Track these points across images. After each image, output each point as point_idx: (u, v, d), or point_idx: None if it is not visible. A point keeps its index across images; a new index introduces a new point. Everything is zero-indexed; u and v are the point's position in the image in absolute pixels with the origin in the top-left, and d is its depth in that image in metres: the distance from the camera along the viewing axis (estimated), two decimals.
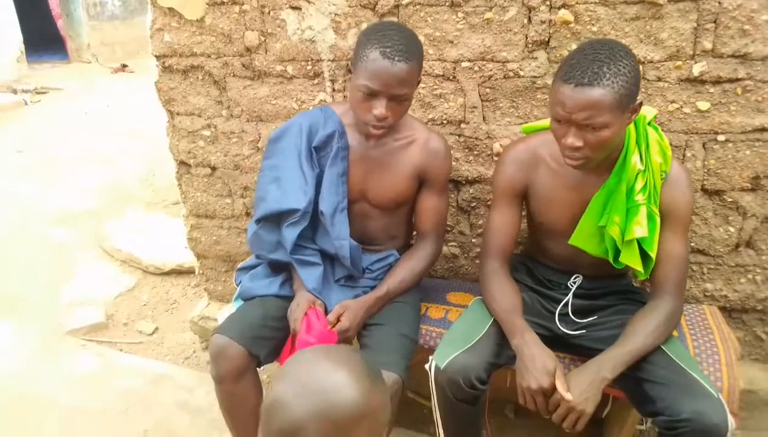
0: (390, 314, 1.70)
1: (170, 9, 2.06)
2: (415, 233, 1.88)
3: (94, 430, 2.15)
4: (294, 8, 1.94)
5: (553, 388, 1.37)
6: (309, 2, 1.92)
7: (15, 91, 7.45)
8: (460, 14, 1.80)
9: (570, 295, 1.64)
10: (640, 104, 1.36)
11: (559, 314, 1.64)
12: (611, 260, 1.50)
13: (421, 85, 1.91)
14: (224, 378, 1.62)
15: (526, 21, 1.75)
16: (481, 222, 2.06)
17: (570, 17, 1.71)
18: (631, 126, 1.44)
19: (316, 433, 0.73)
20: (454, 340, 1.53)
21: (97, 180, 4.77)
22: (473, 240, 2.10)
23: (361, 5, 1.88)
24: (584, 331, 1.61)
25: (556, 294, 1.67)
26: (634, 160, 1.42)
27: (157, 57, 2.17)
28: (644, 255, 1.46)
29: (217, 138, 2.22)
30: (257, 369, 1.70)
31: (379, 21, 1.84)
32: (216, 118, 2.20)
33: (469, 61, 1.84)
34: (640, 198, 1.42)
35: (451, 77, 1.88)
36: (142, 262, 3.35)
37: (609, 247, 1.49)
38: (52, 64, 9.20)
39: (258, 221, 1.74)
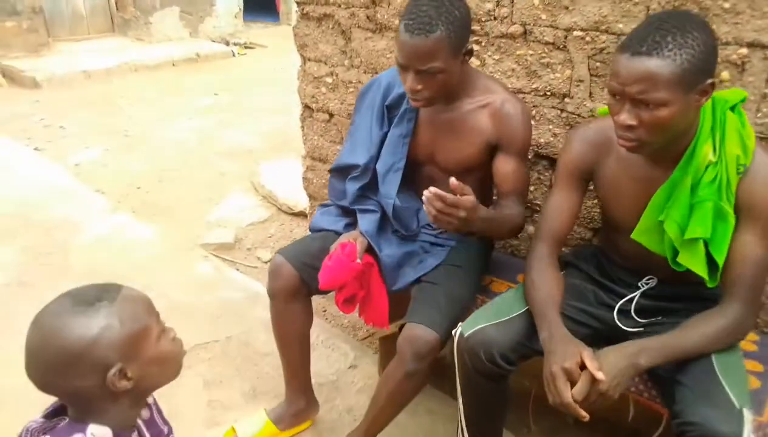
0: (444, 275, 1.68)
1: None
2: (495, 198, 1.82)
3: (189, 325, 2.43)
4: None
5: (578, 372, 1.23)
6: None
7: (227, 43, 8.43)
8: None
9: (637, 294, 1.50)
10: (713, 85, 1.17)
11: (619, 309, 1.50)
12: (669, 260, 1.34)
13: (529, 51, 1.84)
14: (276, 295, 1.75)
15: None
16: None
17: None
18: (708, 110, 1.26)
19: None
20: (487, 312, 1.47)
21: (267, 126, 5.27)
22: None
23: None
24: (642, 329, 1.46)
25: (621, 289, 1.53)
26: (705, 150, 1.24)
27: (298, 3, 2.34)
28: (713, 261, 1.28)
29: (337, 86, 2.35)
30: (310, 297, 1.80)
31: None
32: (338, 67, 2.32)
33: (582, 30, 1.72)
34: (706, 193, 1.24)
35: (561, 46, 1.78)
36: (278, 200, 3.67)
37: (667, 246, 1.32)
38: (264, 24, 10.23)
39: (330, 171, 1.84)
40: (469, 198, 1.37)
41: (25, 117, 5.43)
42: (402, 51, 1.47)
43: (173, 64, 7.49)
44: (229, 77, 7.09)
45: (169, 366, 1.04)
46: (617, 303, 1.51)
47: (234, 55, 8.11)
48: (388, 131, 1.73)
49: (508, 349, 1.37)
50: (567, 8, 1.73)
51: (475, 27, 1.92)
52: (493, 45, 1.92)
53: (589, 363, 1.21)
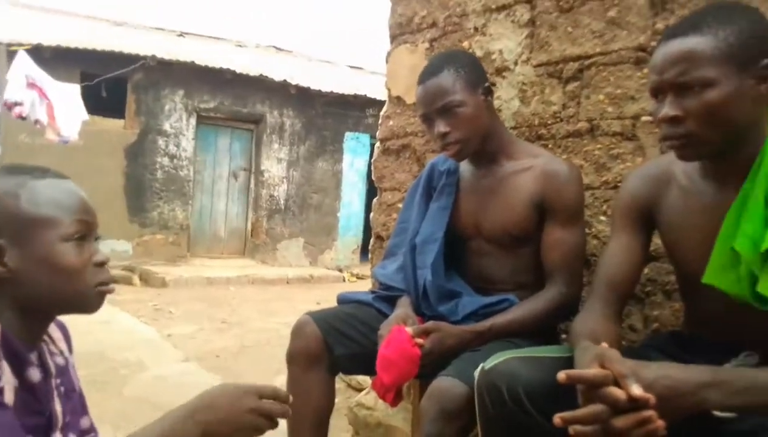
0: (491, 345, 1.41)
1: (398, 97, 2.42)
2: None
3: None
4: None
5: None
6: (503, 78, 2.04)
7: (340, 270, 8.94)
8: (645, 70, 1.68)
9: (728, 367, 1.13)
10: None
11: None
12: (749, 297, 1.01)
13: (597, 146, 1.77)
14: (294, 358, 1.55)
15: None
16: (656, 312, 1.62)
17: None
18: None
19: None
20: (519, 351, 1.20)
21: None
22: None
23: (547, 74, 1.91)
24: (735, 414, 1.07)
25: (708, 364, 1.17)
26: None
27: (381, 140, 2.50)
28: None
29: None
30: (334, 373, 1.57)
31: None
32: None
33: (651, 114, 1.65)
34: None
35: (630, 135, 1.70)
36: None
37: (743, 276, 1.01)
38: None
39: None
40: (424, 346, 1.38)
41: (142, 302, 5.87)
42: (421, 102, 1.54)
43: (287, 282, 7.99)
44: (336, 293, 7.37)
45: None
46: None
47: (344, 281, 8.54)
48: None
49: (538, 390, 1.06)
50: (633, 98, 1.70)
51: (542, 131, 1.92)
52: (560, 146, 1.87)
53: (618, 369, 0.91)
